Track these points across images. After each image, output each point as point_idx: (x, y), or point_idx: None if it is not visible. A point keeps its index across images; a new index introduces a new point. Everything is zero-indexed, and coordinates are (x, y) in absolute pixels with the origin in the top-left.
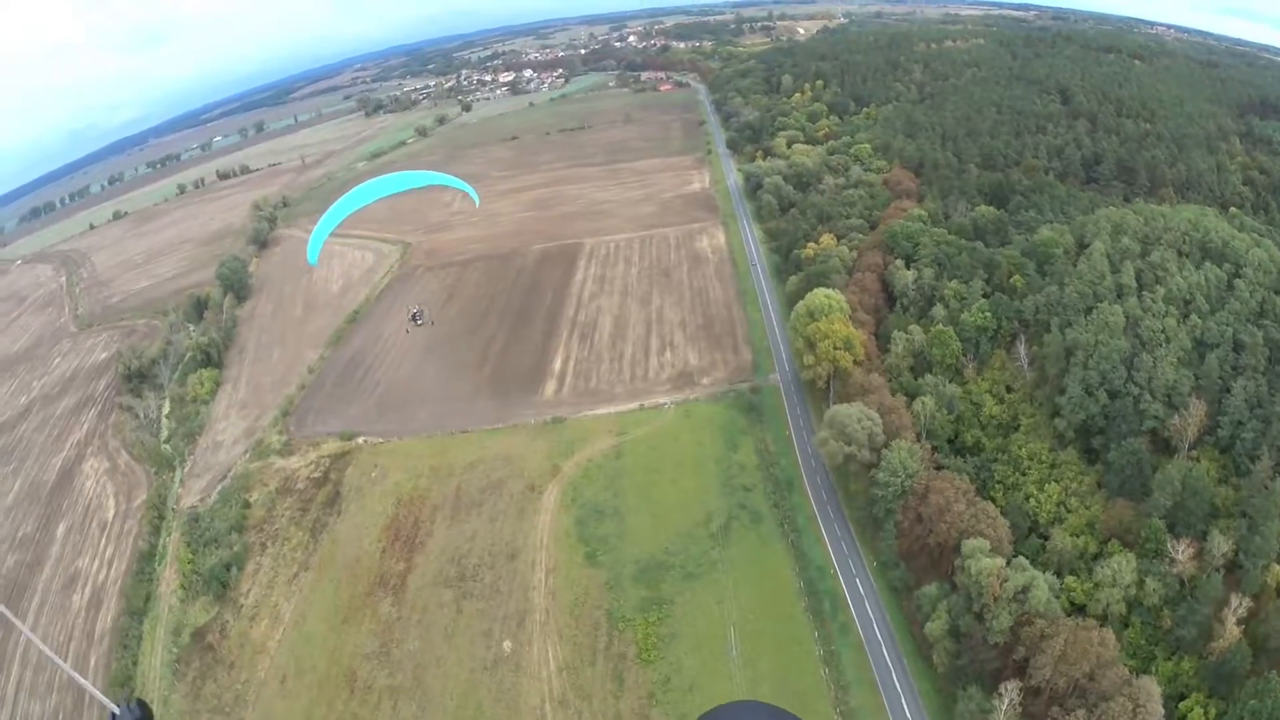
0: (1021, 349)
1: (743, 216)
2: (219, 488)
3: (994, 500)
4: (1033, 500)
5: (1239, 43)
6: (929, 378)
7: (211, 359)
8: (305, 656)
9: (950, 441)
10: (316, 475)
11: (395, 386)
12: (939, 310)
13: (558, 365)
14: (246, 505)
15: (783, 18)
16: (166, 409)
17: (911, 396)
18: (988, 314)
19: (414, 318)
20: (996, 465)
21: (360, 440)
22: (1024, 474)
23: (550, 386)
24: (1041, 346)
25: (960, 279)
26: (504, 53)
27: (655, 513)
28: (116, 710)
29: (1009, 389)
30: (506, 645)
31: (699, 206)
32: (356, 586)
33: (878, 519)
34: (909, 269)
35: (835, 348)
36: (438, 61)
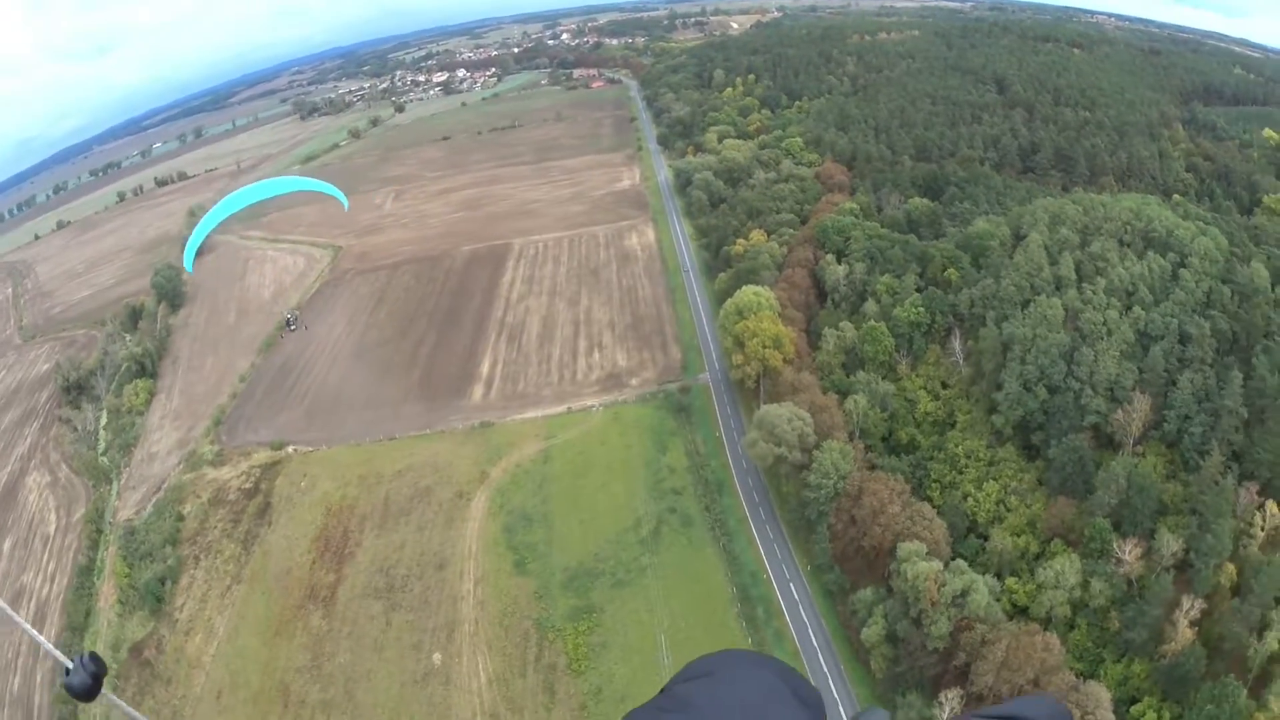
0: (956, 344)
1: (672, 213)
2: (154, 500)
3: (931, 500)
4: (971, 500)
5: (1181, 29)
6: (861, 375)
7: (146, 369)
8: (239, 671)
9: (884, 440)
10: (247, 486)
11: (324, 393)
12: (871, 306)
13: (485, 369)
14: (180, 518)
15: (716, 13)
16: (104, 420)
17: (844, 395)
18: (921, 309)
19: (288, 323)
20: (933, 464)
21: (290, 449)
22: (961, 472)
23: (478, 390)
24: (977, 341)
25: (893, 273)
26: (438, 53)
27: (584, 518)
28: (70, 665)
29: (944, 385)
30: (436, 658)
31: (629, 204)
32: (288, 599)
33: (810, 521)
34: (840, 264)
35: (764, 346)
36: (372, 63)
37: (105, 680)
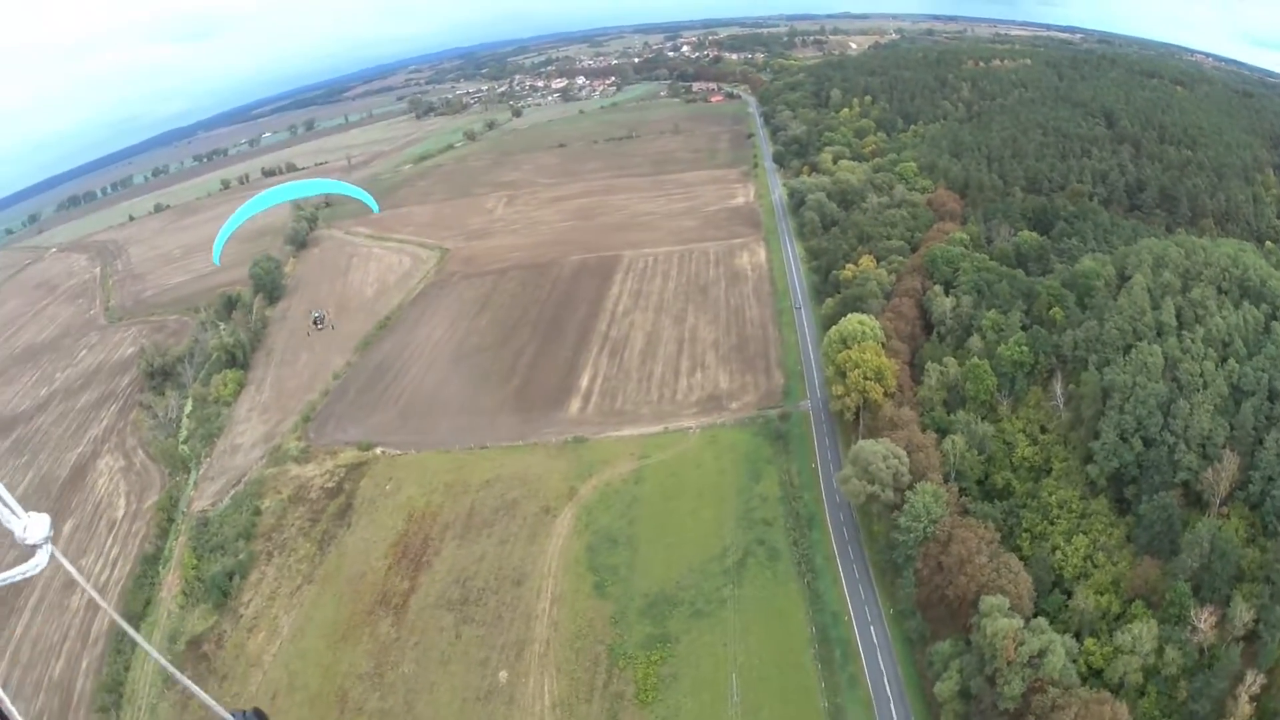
0: (1058, 387)
1: (785, 233)
2: (232, 493)
3: (1020, 549)
4: (1059, 553)
5: (1270, 74)
6: (961, 414)
7: (237, 360)
8: (299, 673)
9: (980, 483)
10: (330, 485)
11: (419, 396)
12: (975, 341)
13: (585, 382)
14: (257, 512)
15: (835, 32)
16: (188, 408)
17: (942, 433)
18: (1025, 348)
19: (315, 322)
20: (1025, 511)
21: (378, 451)
22: (1052, 523)
23: (575, 404)
24: (1078, 385)
25: (999, 309)
26: (558, 59)
27: (669, 543)
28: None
29: (1043, 429)
30: (502, 676)
31: (742, 221)
32: (358, 603)
33: (897, 564)
34: (948, 296)
35: (865, 378)
36: (491, 66)
37: None
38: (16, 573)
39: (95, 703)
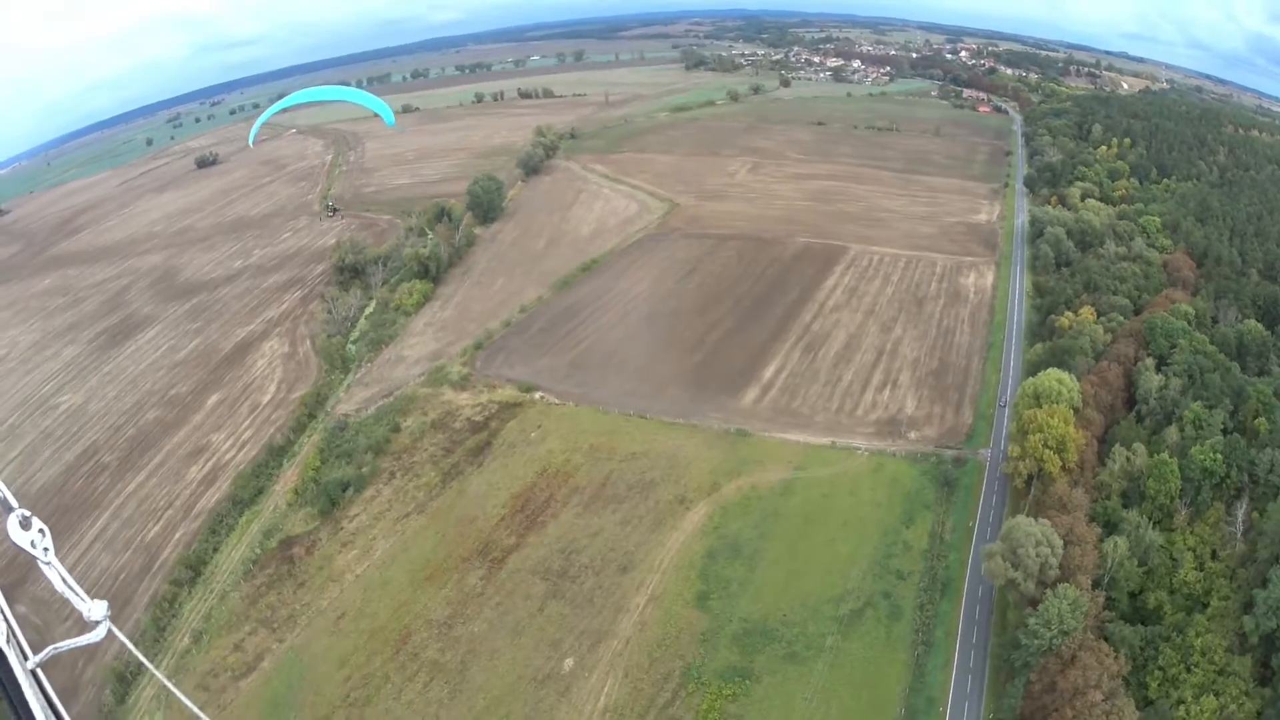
0: (1240, 511)
1: (1018, 262)
2: (379, 404)
3: (1147, 689)
4: (1183, 710)
5: None
6: (1133, 514)
7: (429, 272)
8: (373, 601)
9: (1133, 596)
10: (478, 419)
11: (598, 348)
12: (1172, 433)
13: (769, 373)
14: (396, 429)
15: (1109, 68)
16: (369, 310)
17: (1109, 528)
18: (1219, 456)
19: (330, 209)
20: (1167, 646)
21: (537, 395)
22: (1190, 669)
23: (751, 394)
24: (1263, 516)
25: (1205, 402)
26: (838, 39)
27: (792, 570)
28: None
29: (1214, 554)
30: (568, 663)
31: (978, 240)
32: (458, 547)
33: (1014, 668)
34: (1158, 373)
35: (1046, 445)
36: (772, 33)
37: None
38: (80, 640)
39: (173, 574)
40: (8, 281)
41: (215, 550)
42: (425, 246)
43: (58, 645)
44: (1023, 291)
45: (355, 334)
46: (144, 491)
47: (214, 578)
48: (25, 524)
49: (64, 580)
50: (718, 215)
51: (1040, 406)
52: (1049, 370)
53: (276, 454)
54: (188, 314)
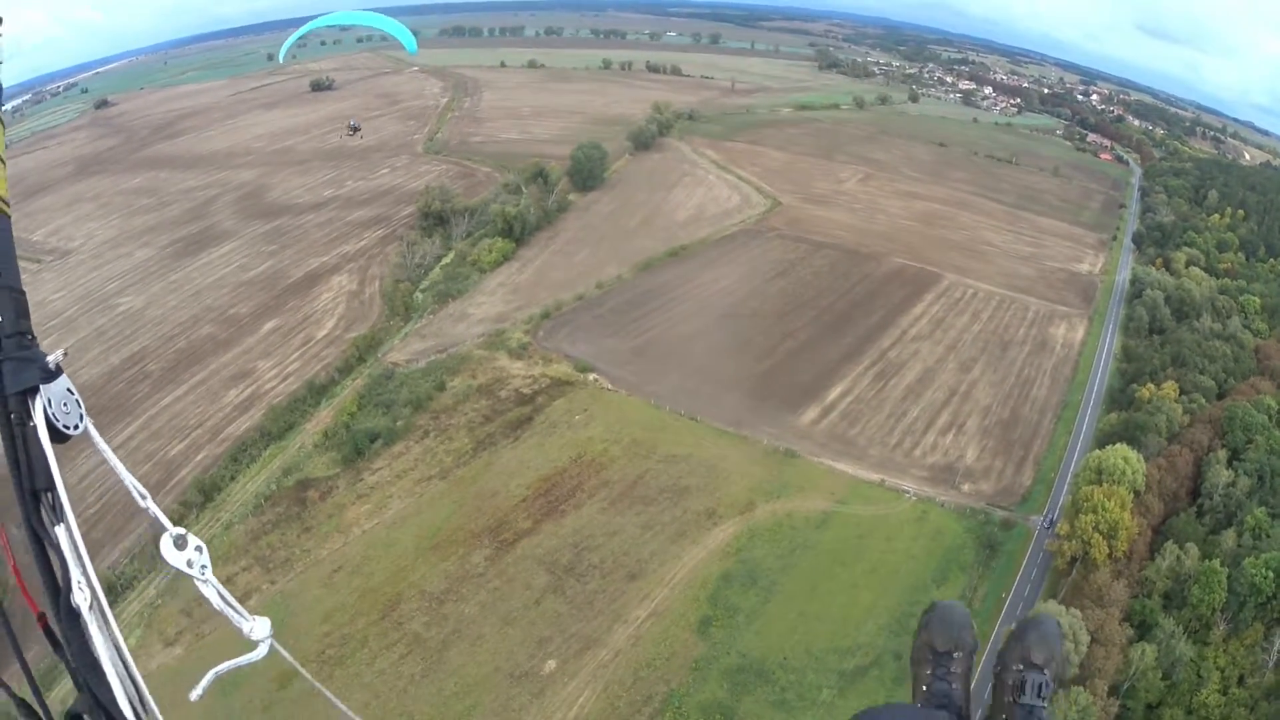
0: (1279, 639)
1: (1111, 320)
2: (431, 358)
3: None
4: None
5: None
6: (1168, 621)
7: (513, 231)
8: (372, 560)
9: (1149, 708)
10: (526, 391)
11: (665, 338)
12: (1229, 537)
13: (834, 394)
14: (441, 387)
15: (1235, 135)
16: (446, 260)
17: (1141, 629)
18: (1271, 575)
19: (353, 129)
20: None
21: (591, 377)
22: None
23: (811, 413)
24: None
25: (1271, 509)
26: (974, 62)
27: (806, 611)
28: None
29: (1241, 680)
30: (550, 665)
31: (1076, 290)
32: (471, 521)
33: None
34: (1228, 468)
35: (1096, 530)
36: (910, 45)
37: None
38: (242, 660)
39: (184, 495)
40: (100, 174)
41: (232, 479)
42: (514, 205)
43: (218, 669)
44: (1110, 353)
45: (426, 283)
46: (179, 407)
47: (224, 506)
48: (181, 543)
49: (221, 598)
50: (819, 221)
51: (1101, 484)
52: (1117, 446)
53: (316, 392)
54: (266, 235)
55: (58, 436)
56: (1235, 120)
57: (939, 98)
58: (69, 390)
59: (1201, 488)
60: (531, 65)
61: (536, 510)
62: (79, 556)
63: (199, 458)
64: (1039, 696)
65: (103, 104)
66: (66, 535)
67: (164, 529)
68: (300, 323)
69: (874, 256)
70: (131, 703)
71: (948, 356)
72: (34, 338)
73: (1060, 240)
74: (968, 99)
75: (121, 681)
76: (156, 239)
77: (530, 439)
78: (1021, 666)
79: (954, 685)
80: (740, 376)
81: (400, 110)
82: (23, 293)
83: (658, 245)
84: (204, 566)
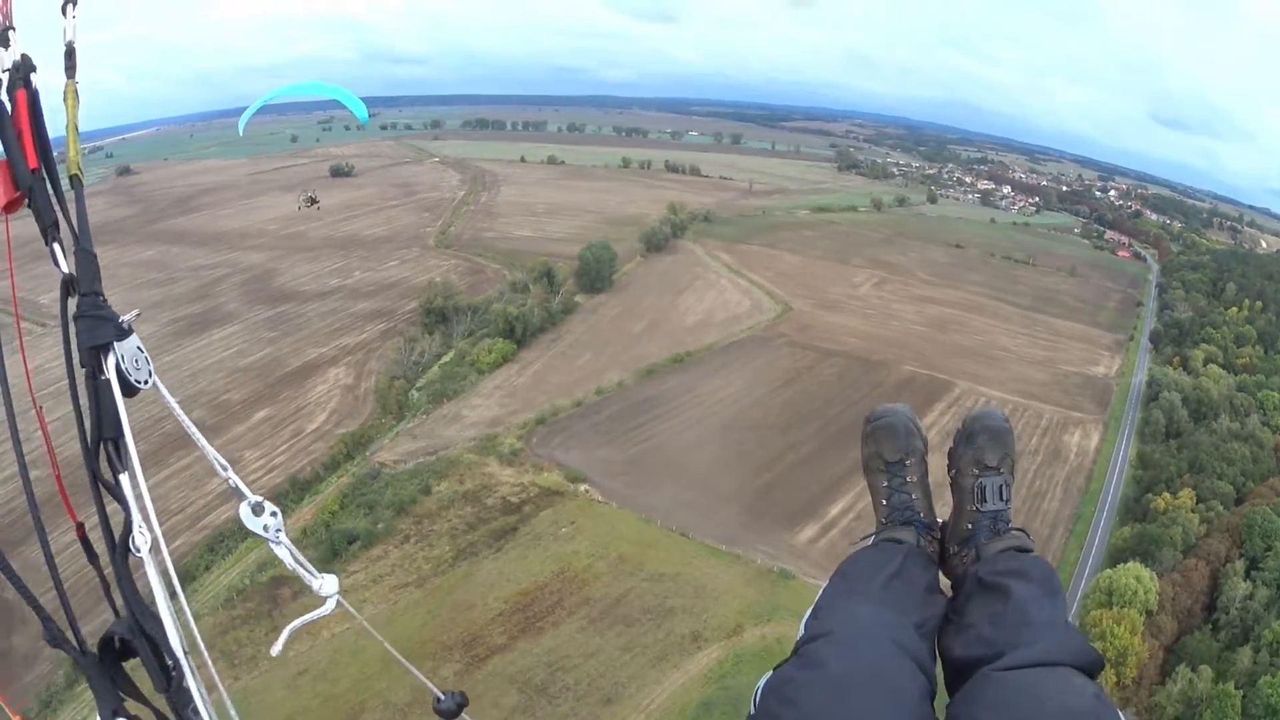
0: None
1: (1127, 425)
2: (419, 460)
3: None
4: None
5: None
6: None
7: (514, 332)
8: (339, 665)
9: None
10: (514, 500)
11: (662, 449)
12: (1243, 658)
13: (835, 511)
14: (426, 491)
15: (1251, 224)
16: (445, 359)
17: None
18: None
19: (309, 201)
20: None
21: (582, 488)
22: None
23: (809, 532)
24: None
25: None
26: (992, 161)
27: None
28: (441, 697)
29: None
30: None
31: (1091, 395)
32: (444, 633)
33: None
34: (1246, 579)
35: (1104, 659)
36: (930, 146)
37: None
38: (312, 615)
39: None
40: (112, 244)
41: (207, 569)
42: (515, 305)
43: (292, 625)
44: (1125, 460)
45: (422, 381)
46: (161, 490)
47: (195, 596)
48: (258, 510)
49: (293, 557)
50: (830, 328)
51: (1111, 607)
52: (1129, 565)
53: (299, 488)
54: (268, 321)
55: (128, 390)
56: (1251, 208)
57: (957, 198)
58: (138, 348)
59: (1217, 601)
60: (551, 161)
61: (513, 626)
62: (141, 501)
63: (176, 544)
64: (1001, 499)
65: (125, 171)
66: (129, 481)
67: (244, 497)
68: (292, 414)
69: (884, 364)
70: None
71: None
72: (105, 298)
73: (1076, 343)
74: (986, 199)
75: (174, 622)
76: (159, 315)
77: (513, 550)
78: (978, 471)
79: (912, 495)
80: (738, 490)
81: (416, 201)
82: (95, 256)
83: (663, 351)
84: (278, 530)
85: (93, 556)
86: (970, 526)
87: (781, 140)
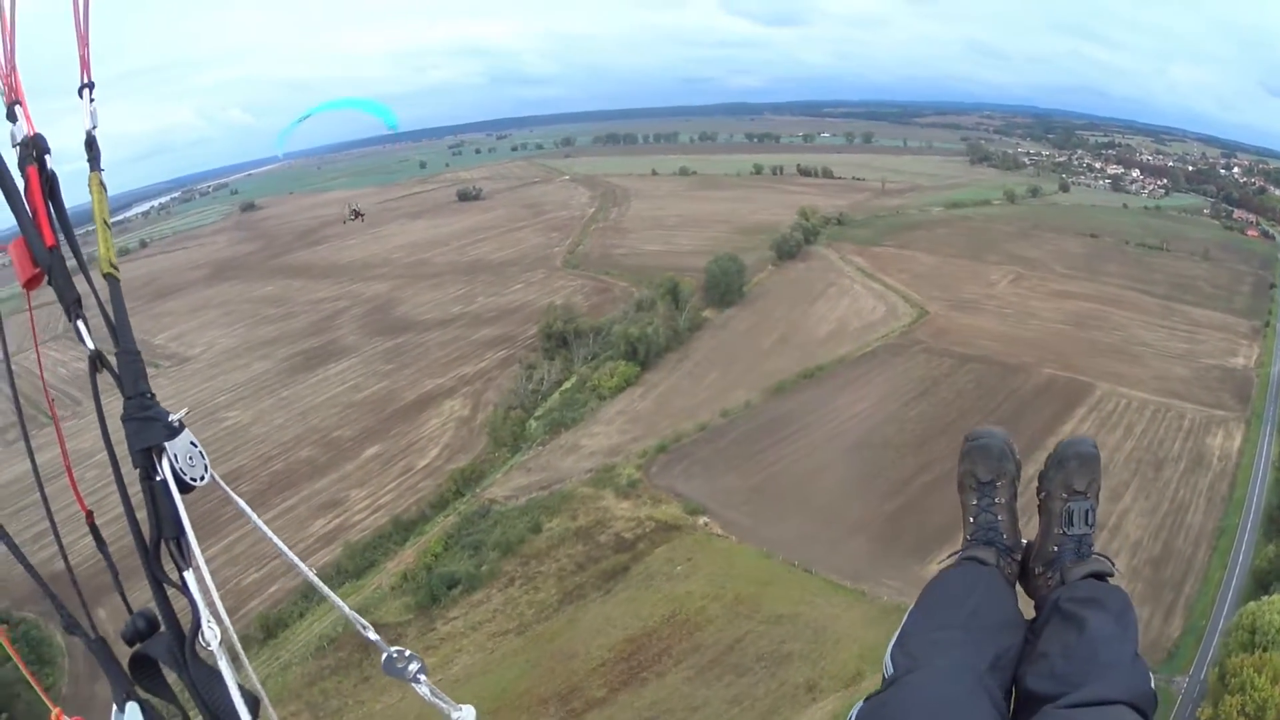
0: None
1: (1269, 421)
2: (532, 495)
3: None
4: None
5: None
6: None
7: (637, 354)
8: (426, 718)
9: None
10: (628, 537)
11: (788, 473)
12: None
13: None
14: (536, 529)
15: None
16: (568, 385)
17: None
18: None
19: (354, 214)
20: None
21: (701, 520)
22: None
23: (943, 556)
24: None
25: None
26: (1120, 145)
27: None
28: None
29: None
30: None
31: (1231, 390)
32: (541, 684)
33: None
34: None
35: (1242, 714)
36: (1059, 134)
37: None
38: None
39: (247, 629)
40: (233, 279)
41: (300, 616)
42: (638, 325)
43: None
44: (1269, 461)
45: (541, 410)
46: (261, 534)
47: (285, 645)
48: (400, 657)
49: (432, 693)
50: (966, 331)
51: (1253, 651)
52: (1273, 598)
53: (403, 529)
54: (385, 353)
55: (183, 488)
56: None
57: (1088, 185)
58: (192, 444)
59: None
60: (682, 172)
61: (615, 677)
62: (209, 595)
63: (272, 589)
64: (1086, 524)
65: (249, 207)
66: (194, 578)
67: (384, 649)
68: (403, 450)
69: (1023, 368)
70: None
71: None
72: (154, 396)
73: (1214, 332)
74: (1116, 184)
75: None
76: (276, 351)
77: (623, 592)
78: (1066, 495)
79: (999, 516)
80: (866, 518)
81: (544, 221)
82: (139, 354)
83: (793, 365)
84: (419, 670)
85: (102, 544)
86: (1056, 549)
87: (913, 136)
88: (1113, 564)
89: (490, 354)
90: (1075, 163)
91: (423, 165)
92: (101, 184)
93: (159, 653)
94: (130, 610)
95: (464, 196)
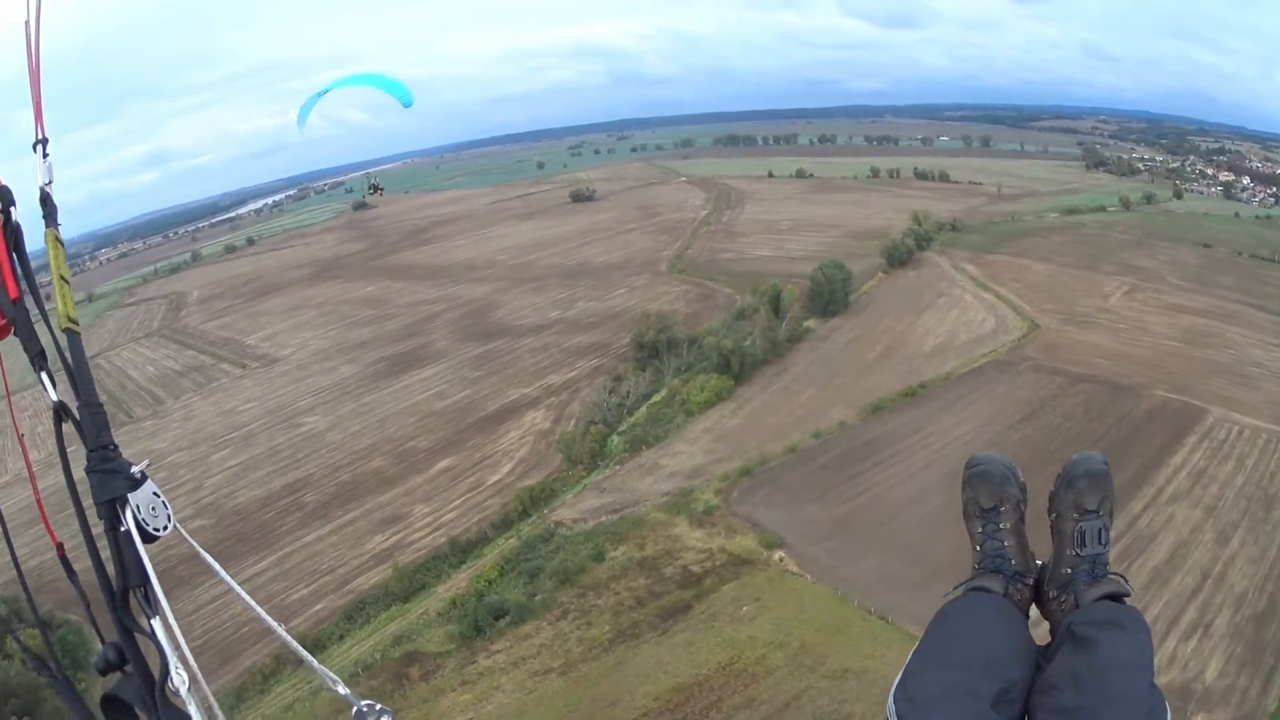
0: None
1: None
2: (601, 519)
3: None
4: None
5: None
6: None
7: (730, 367)
8: None
9: None
10: (696, 570)
11: (878, 504)
12: None
13: None
14: (599, 557)
15: None
16: (658, 398)
17: None
18: None
19: (374, 189)
20: None
21: (777, 555)
22: None
23: (1031, 612)
24: None
25: None
26: (1230, 151)
27: None
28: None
29: None
30: None
31: None
32: None
33: None
34: None
35: None
36: (1171, 139)
37: None
38: None
39: (282, 649)
40: (336, 278)
41: (341, 639)
42: (733, 337)
43: None
44: None
45: (624, 425)
46: (318, 547)
47: (327, 666)
48: (371, 710)
49: None
50: (1078, 347)
51: None
52: None
53: (459, 551)
54: (475, 360)
55: (147, 538)
56: None
57: (1201, 192)
58: (155, 494)
59: None
60: (799, 175)
61: None
62: (175, 642)
63: (317, 608)
64: (1100, 543)
65: (361, 206)
66: (161, 625)
67: (353, 704)
68: (476, 464)
69: (1135, 389)
70: None
71: (1205, 523)
72: (117, 448)
73: None
74: (1228, 191)
75: None
76: (365, 355)
77: (681, 633)
78: (1077, 515)
79: (1004, 542)
80: (955, 556)
81: (656, 224)
82: (101, 407)
83: (895, 382)
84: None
85: (72, 575)
86: (1069, 571)
87: (1030, 140)
88: (1127, 583)
89: (581, 363)
90: (1188, 169)
91: (540, 165)
92: (58, 239)
93: (130, 696)
94: (103, 640)
95: (577, 198)
